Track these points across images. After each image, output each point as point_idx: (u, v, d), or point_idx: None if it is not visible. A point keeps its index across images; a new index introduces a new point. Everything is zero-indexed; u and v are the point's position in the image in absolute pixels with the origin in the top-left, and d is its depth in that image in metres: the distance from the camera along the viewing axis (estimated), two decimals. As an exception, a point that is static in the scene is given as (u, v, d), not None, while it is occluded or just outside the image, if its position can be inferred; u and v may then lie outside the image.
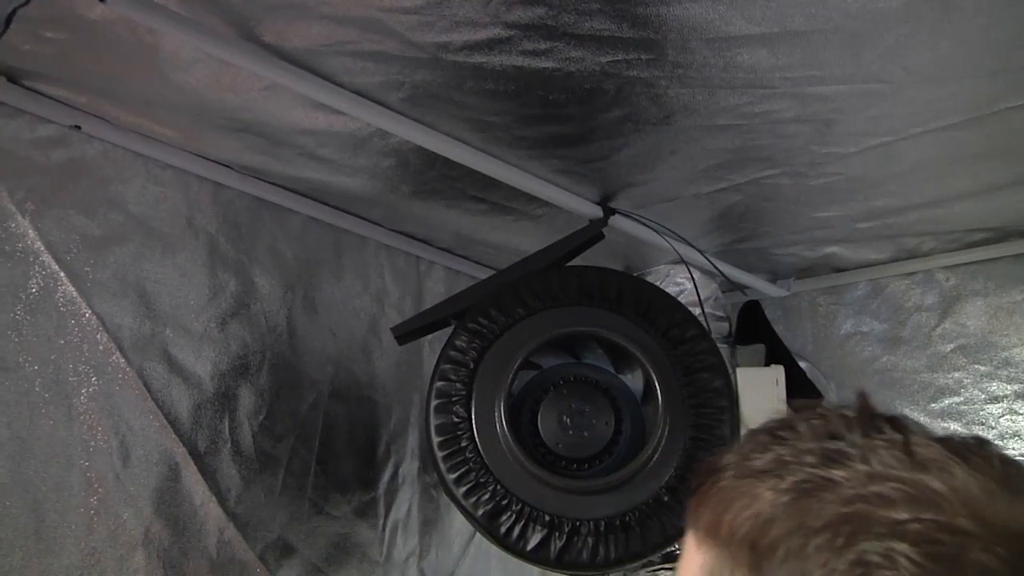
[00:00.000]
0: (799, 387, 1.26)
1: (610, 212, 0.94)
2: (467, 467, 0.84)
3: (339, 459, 1.05)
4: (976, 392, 1.12)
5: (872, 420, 0.43)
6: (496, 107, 0.73)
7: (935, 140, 0.75)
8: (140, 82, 0.76)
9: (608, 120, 0.74)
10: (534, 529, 0.82)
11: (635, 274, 1.25)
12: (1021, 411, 1.08)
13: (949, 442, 0.41)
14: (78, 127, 0.82)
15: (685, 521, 0.49)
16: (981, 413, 1.12)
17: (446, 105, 0.73)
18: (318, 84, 0.69)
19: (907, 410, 1.18)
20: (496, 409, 0.85)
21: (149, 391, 0.84)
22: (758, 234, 1.08)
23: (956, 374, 1.14)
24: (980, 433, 1.09)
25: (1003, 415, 1.09)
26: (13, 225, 0.76)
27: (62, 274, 0.79)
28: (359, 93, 0.71)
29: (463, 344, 0.88)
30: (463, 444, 0.85)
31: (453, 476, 0.84)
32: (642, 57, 0.63)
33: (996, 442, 1.08)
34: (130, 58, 0.71)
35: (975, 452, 0.40)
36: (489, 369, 0.87)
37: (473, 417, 0.86)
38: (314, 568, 1.00)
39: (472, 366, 0.87)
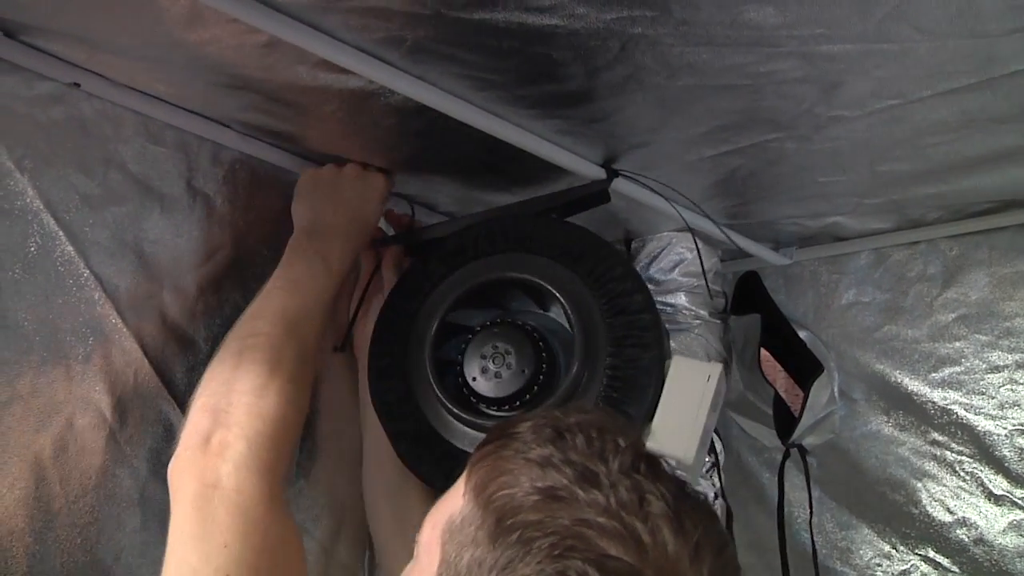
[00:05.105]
0: (798, 357, 1.26)
1: (613, 174, 0.93)
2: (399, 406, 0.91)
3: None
4: (977, 362, 1.12)
5: (635, 459, 0.50)
6: (499, 65, 0.72)
7: (944, 103, 0.74)
8: (137, 38, 0.75)
9: (612, 79, 0.73)
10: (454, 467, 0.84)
11: (636, 240, 1.24)
12: (1021, 381, 1.07)
13: (679, 502, 0.47)
14: (77, 85, 0.81)
15: (468, 459, 0.54)
16: (981, 383, 1.11)
17: (448, 63, 0.72)
18: (319, 39, 0.68)
19: (907, 380, 1.18)
20: (425, 351, 0.91)
21: (145, 352, 0.84)
22: (761, 200, 1.07)
23: (957, 344, 1.14)
24: (980, 402, 1.09)
25: (1003, 385, 1.09)
26: (12, 183, 0.75)
27: (61, 233, 0.78)
28: (361, 50, 0.70)
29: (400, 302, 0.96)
30: (396, 383, 0.92)
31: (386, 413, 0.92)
32: (647, 14, 0.62)
33: (995, 412, 1.08)
34: (126, 12, 0.70)
35: (690, 516, 0.47)
36: (420, 322, 0.93)
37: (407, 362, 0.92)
38: (301, 529, 1.00)
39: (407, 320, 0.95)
